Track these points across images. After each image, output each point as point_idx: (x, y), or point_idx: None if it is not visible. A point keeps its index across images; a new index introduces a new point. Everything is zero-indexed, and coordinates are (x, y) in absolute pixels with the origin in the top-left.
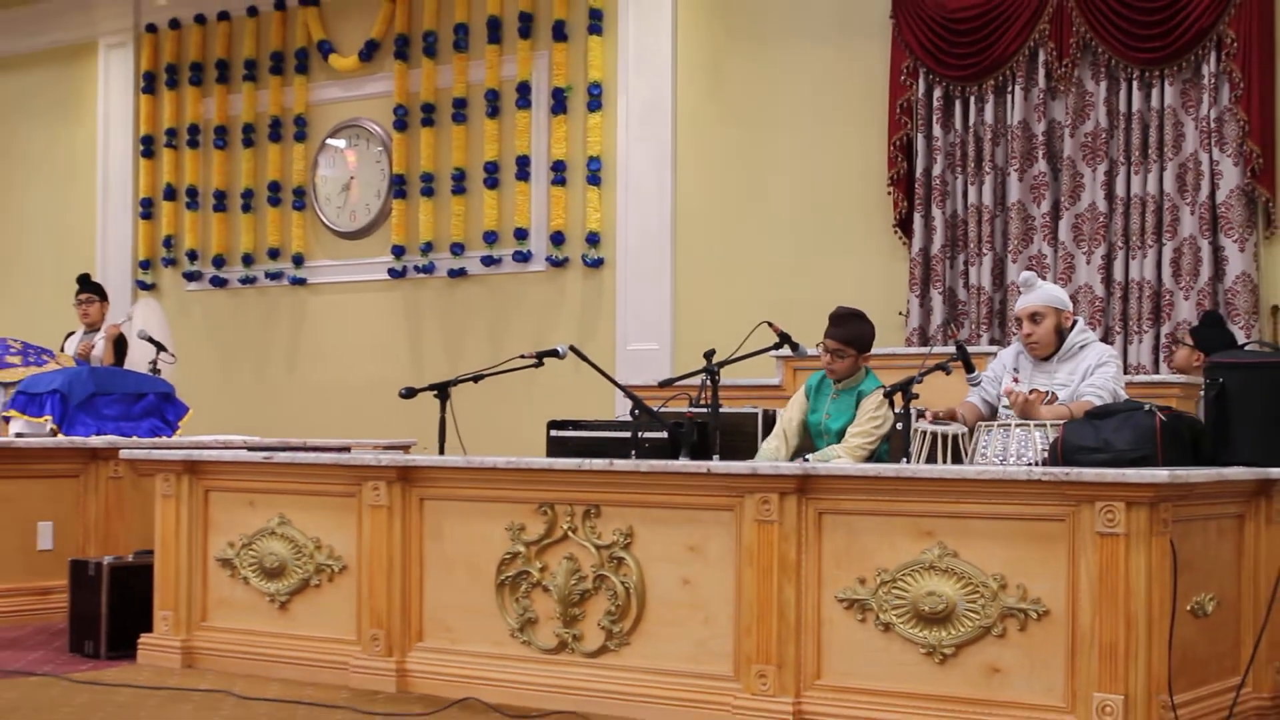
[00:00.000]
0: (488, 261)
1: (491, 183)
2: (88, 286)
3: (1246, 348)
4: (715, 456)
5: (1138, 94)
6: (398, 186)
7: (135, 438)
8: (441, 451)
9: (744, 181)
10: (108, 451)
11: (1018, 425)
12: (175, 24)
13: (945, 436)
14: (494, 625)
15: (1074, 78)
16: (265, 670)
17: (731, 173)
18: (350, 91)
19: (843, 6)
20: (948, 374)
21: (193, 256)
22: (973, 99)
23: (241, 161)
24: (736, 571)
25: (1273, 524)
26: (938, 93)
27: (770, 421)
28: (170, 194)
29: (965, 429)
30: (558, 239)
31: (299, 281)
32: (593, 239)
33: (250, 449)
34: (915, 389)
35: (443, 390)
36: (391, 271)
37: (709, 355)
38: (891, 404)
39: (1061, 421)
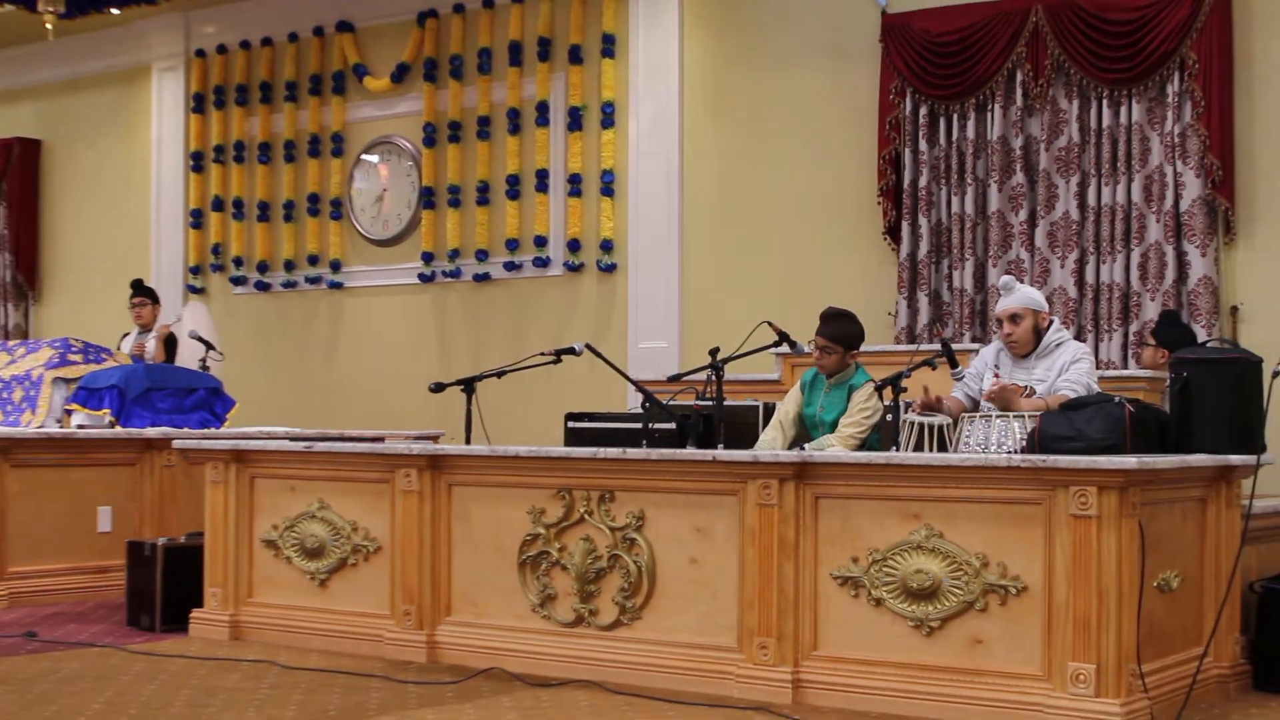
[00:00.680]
0: (510, 267)
1: (513, 194)
2: (141, 290)
3: (1208, 345)
4: (720, 445)
5: (1107, 111)
6: (427, 198)
7: (186, 429)
8: (468, 441)
9: (745, 192)
10: (161, 442)
11: (998, 416)
12: (222, 49)
13: (932, 427)
14: (516, 601)
15: (1049, 96)
16: (306, 642)
17: (733, 184)
18: (383, 110)
19: (835, 31)
20: (933, 369)
21: (238, 263)
22: (955, 116)
23: (283, 175)
24: (740, 551)
25: (1232, 506)
26: (923, 110)
27: (770, 413)
28: (218, 205)
29: (950, 420)
30: (574, 246)
31: (336, 285)
32: (606, 246)
33: (292, 439)
34: (903, 383)
35: (469, 385)
36: (421, 276)
37: (713, 353)
38: (881, 397)
39: (1039, 413)
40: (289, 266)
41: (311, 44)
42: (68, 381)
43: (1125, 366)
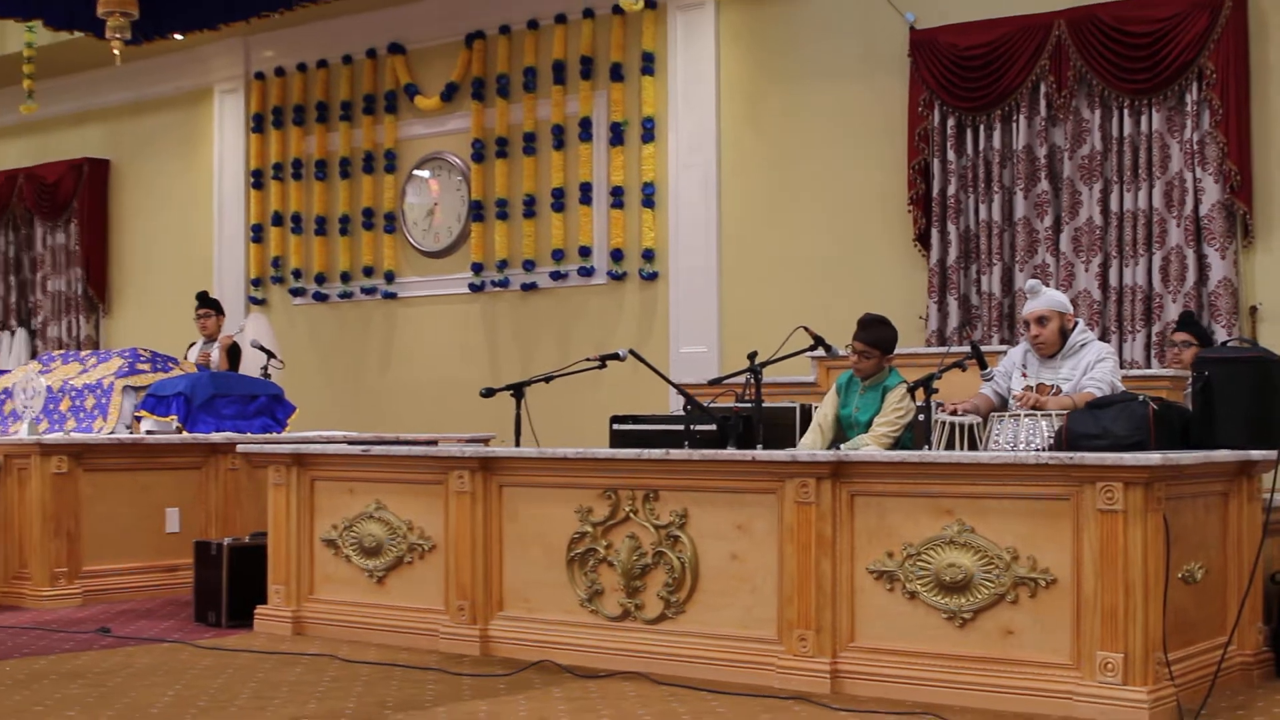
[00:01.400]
0: (555, 276)
1: (558, 207)
2: (206, 302)
3: (1228, 344)
4: (759, 446)
5: (1129, 120)
6: (475, 211)
7: (249, 434)
8: (517, 444)
9: (780, 202)
10: (226, 446)
11: (1027, 415)
12: (280, 71)
13: (962, 426)
14: (565, 596)
15: (1072, 107)
16: (365, 637)
17: (769, 195)
18: (433, 128)
19: (866, 46)
20: (963, 370)
21: (297, 275)
22: (982, 127)
23: (339, 191)
24: (779, 547)
25: (1254, 500)
26: (951, 122)
27: (807, 415)
28: (277, 220)
29: (980, 419)
30: (617, 256)
31: (390, 296)
32: (648, 255)
33: (350, 443)
34: (935, 384)
35: (518, 390)
36: (471, 286)
37: (752, 356)
38: (913, 397)
39: (1065, 411)
40: (345, 278)
41: (365, 65)
42: (137, 389)
43: (1148, 366)
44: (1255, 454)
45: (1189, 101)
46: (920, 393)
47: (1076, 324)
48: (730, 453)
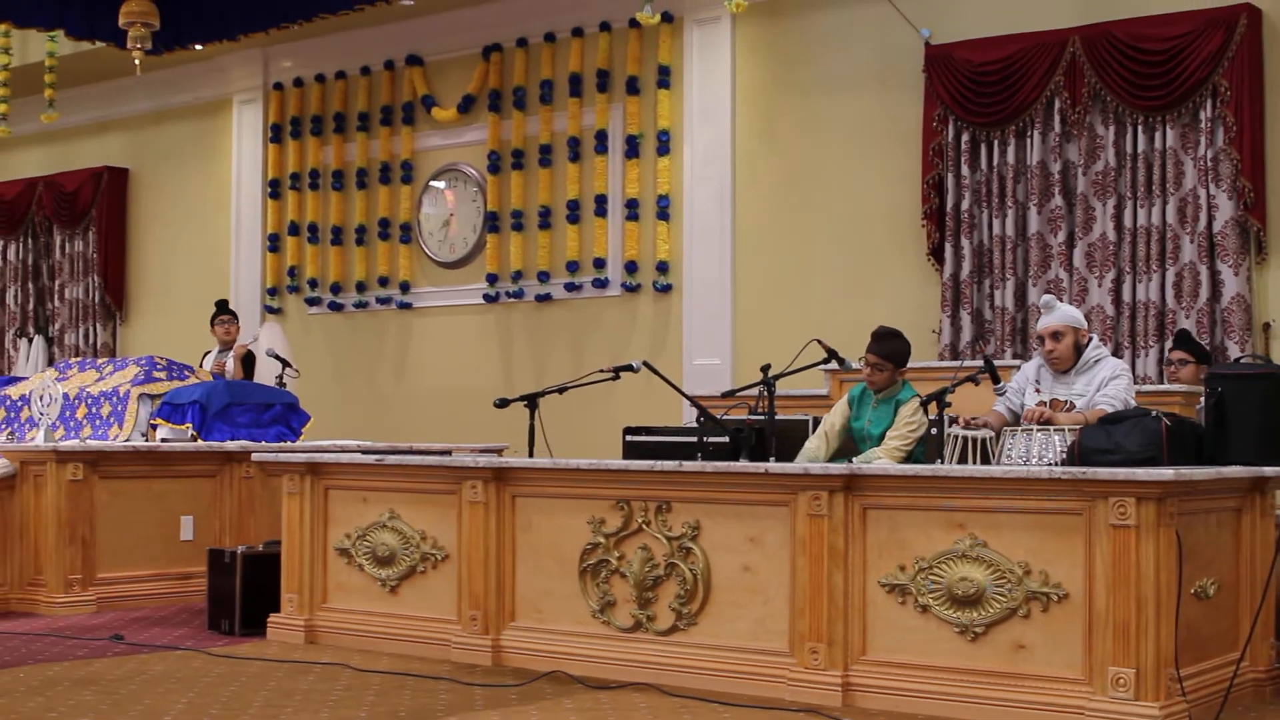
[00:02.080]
0: (570, 288)
1: (573, 218)
2: (228, 309)
3: (1241, 361)
4: (772, 458)
5: (1143, 137)
6: (491, 222)
7: (264, 443)
8: (531, 454)
9: (795, 216)
10: (241, 455)
11: (1040, 429)
12: (298, 82)
13: (975, 440)
14: (577, 607)
15: (1086, 123)
16: (377, 646)
17: (784, 208)
18: (450, 140)
19: (881, 61)
20: (976, 385)
21: (313, 284)
22: (996, 142)
23: (355, 201)
24: (791, 560)
25: (1266, 516)
26: (965, 137)
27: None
28: (294, 230)
29: (993, 433)
30: (631, 267)
31: (405, 306)
32: (662, 267)
33: (364, 452)
34: (948, 398)
35: (531, 400)
36: (486, 297)
37: (765, 369)
38: (926, 411)
39: (1078, 426)
40: (361, 288)
41: (382, 77)
42: (153, 397)
43: (1161, 381)
44: (1268, 470)
45: (1203, 118)
46: (933, 407)
47: (1091, 340)
48: (743, 465)
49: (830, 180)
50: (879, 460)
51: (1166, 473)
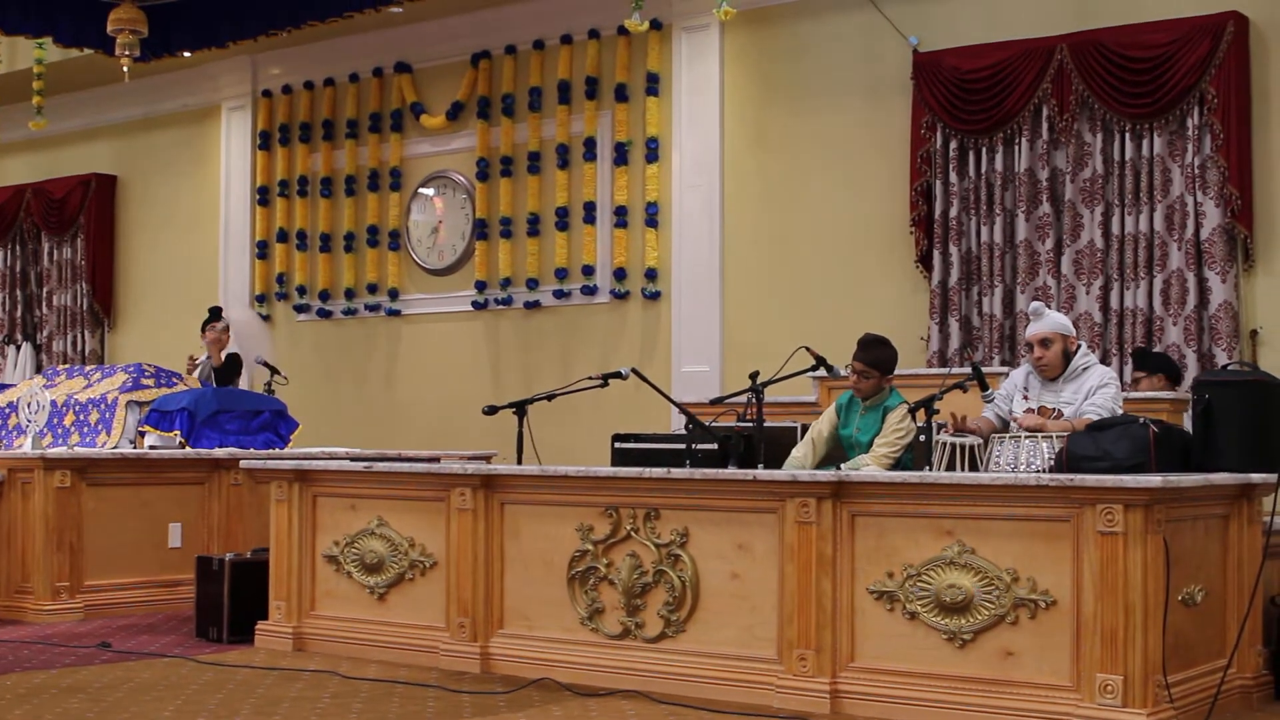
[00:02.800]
0: (559, 295)
1: (562, 225)
2: (219, 316)
3: (1228, 368)
4: (760, 465)
5: (1130, 144)
6: (480, 229)
7: (252, 450)
8: (519, 461)
9: (783, 223)
10: (229, 462)
11: (1028, 437)
12: (287, 89)
13: (963, 447)
14: (566, 614)
15: (1074, 130)
16: (366, 653)
17: (772, 216)
18: (438, 147)
19: (869, 69)
20: (965, 392)
21: (302, 291)
22: (984, 149)
23: (344, 208)
24: (779, 567)
25: (1254, 523)
26: (953, 144)
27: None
28: (283, 237)
29: (981, 440)
30: (620, 275)
31: (394, 313)
32: (651, 274)
33: (352, 460)
34: (936, 405)
35: (520, 408)
36: (475, 304)
37: (754, 376)
38: (914, 418)
39: (1066, 434)
40: (349, 295)
41: (371, 84)
42: (141, 404)
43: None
44: (1255, 477)
45: (1190, 126)
46: (921, 413)
47: (1079, 347)
48: (731, 472)
49: (819, 187)
50: (867, 467)
51: (1154, 480)
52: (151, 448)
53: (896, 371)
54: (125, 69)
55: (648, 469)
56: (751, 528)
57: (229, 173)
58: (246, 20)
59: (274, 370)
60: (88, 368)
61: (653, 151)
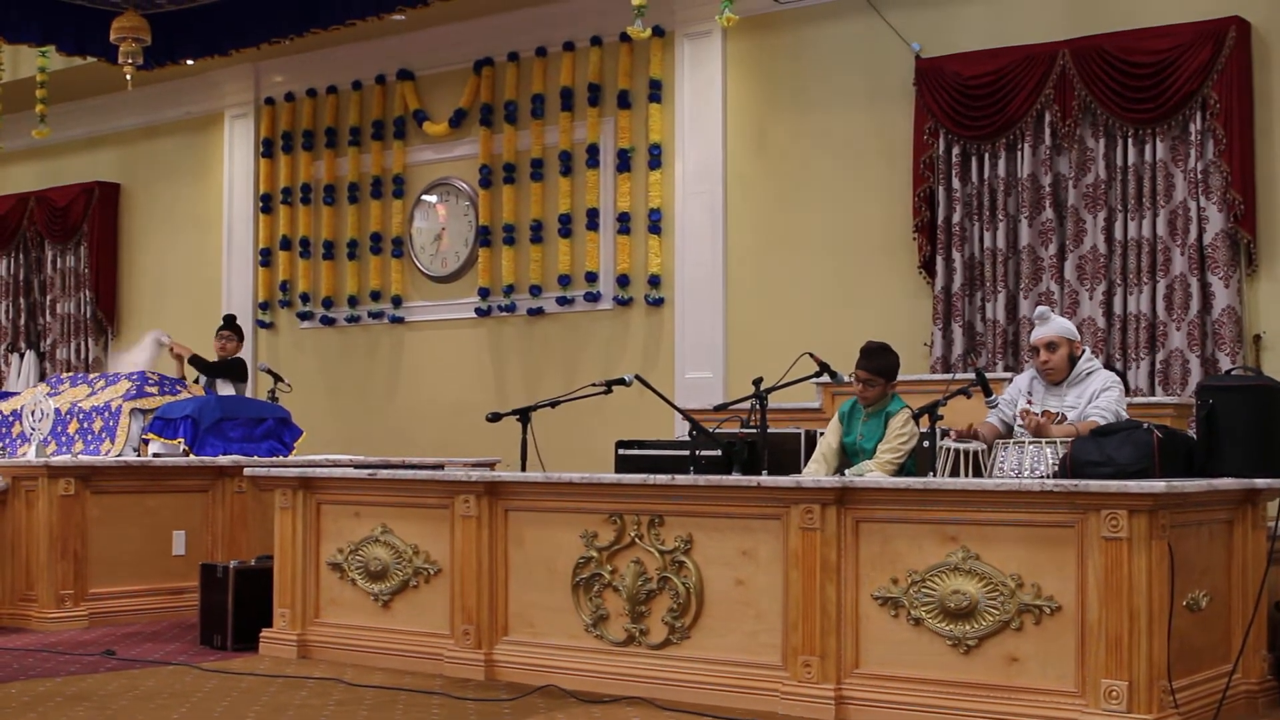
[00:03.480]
0: (562, 301)
1: (565, 232)
2: (230, 325)
3: (1232, 373)
4: (764, 471)
5: (1133, 149)
6: (483, 236)
7: (256, 457)
8: (523, 468)
9: (786, 229)
10: (233, 469)
11: (1031, 442)
12: (290, 97)
13: (967, 453)
14: (570, 621)
15: (1076, 136)
16: (370, 660)
17: (775, 222)
18: (441, 154)
19: (872, 75)
20: (968, 398)
21: (305, 299)
22: (987, 155)
23: (347, 215)
24: (784, 573)
25: (1258, 528)
26: (956, 150)
27: (812, 441)
28: (286, 244)
29: (985, 446)
30: (623, 281)
31: (397, 320)
32: (654, 281)
33: (356, 467)
34: (940, 411)
35: (524, 415)
36: (478, 311)
37: (757, 383)
38: (918, 424)
39: (1070, 439)
40: (353, 302)
41: (374, 91)
42: (145, 412)
43: (1153, 393)
44: (1260, 482)
45: (1193, 131)
46: (925, 419)
47: (1084, 352)
48: (735, 478)
49: (821, 193)
50: (871, 473)
51: (1158, 485)
52: (155, 455)
53: (900, 378)
54: (129, 77)
55: (652, 475)
56: (756, 534)
57: (232, 180)
58: (249, 28)
59: (277, 378)
60: (91, 376)
61: (655, 158)
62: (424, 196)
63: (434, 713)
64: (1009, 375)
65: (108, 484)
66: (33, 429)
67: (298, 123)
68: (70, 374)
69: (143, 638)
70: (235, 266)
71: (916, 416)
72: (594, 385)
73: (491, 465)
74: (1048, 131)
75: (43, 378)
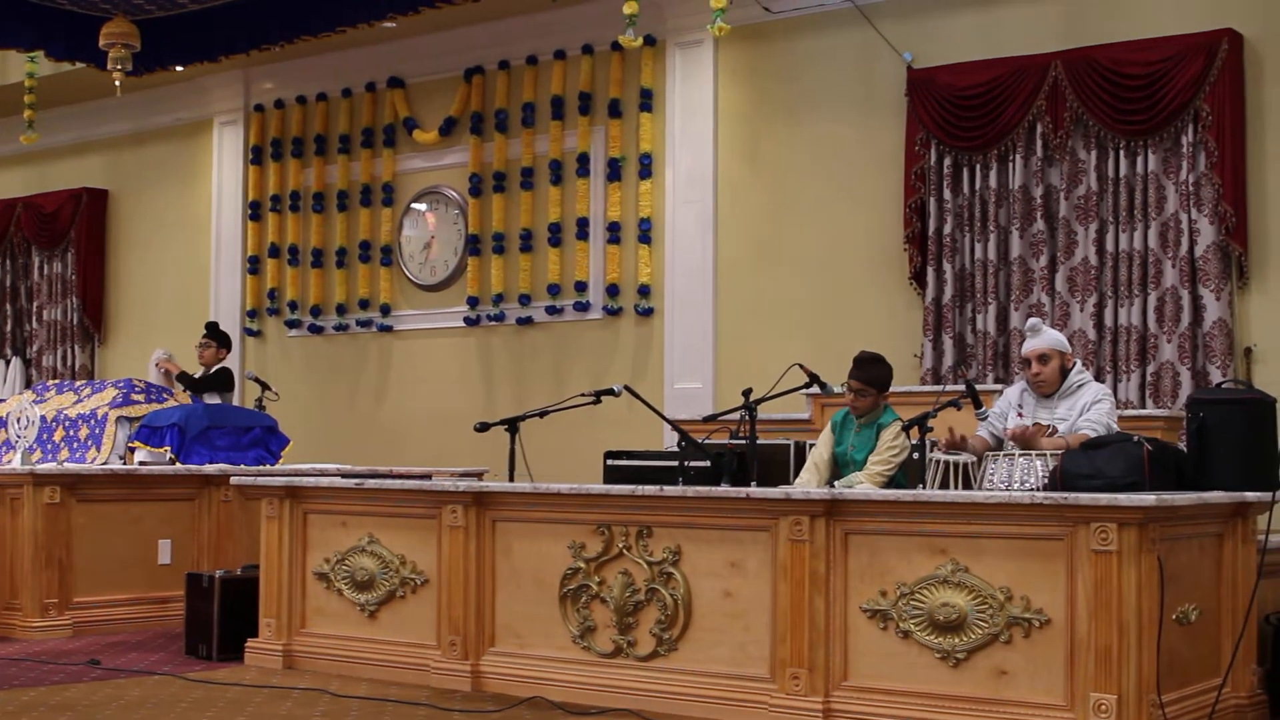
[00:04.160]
0: (551, 311)
1: (555, 241)
2: (214, 333)
3: (1223, 386)
4: (753, 483)
5: (1124, 161)
6: (472, 245)
7: (243, 466)
8: (511, 478)
9: (777, 240)
10: (219, 478)
11: (1021, 455)
12: (279, 104)
13: (957, 465)
14: (557, 632)
15: (1068, 147)
16: (356, 671)
17: (766, 232)
18: (431, 162)
19: (863, 86)
20: (959, 409)
21: (293, 307)
22: (979, 166)
23: (336, 223)
24: (772, 585)
25: (1248, 541)
26: (948, 161)
27: (802, 452)
28: (274, 252)
29: (975, 458)
30: (613, 291)
31: (386, 329)
32: (643, 291)
33: (343, 476)
34: (930, 423)
35: (512, 424)
36: (467, 320)
37: (747, 393)
38: (908, 436)
39: (1060, 451)
40: (341, 310)
41: (364, 99)
42: (131, 420)
43: (1143, 406)
44: (1250, 495)
45: (1185, 143)
46: (915, 431)
47: (1075, 364)
48: (724, 490)
49: (812, 204)
50: (861, 485)
51: (1148, 498)
52: (141, 464)
53: (891, 389)
54: (117, 83)
55: (640, 486)
56: (744, 545)
57: (221, 187)
58: (239, 35)
59: (265, 386)
60: (78, 383)
61: (646, 167)
62: (413, 205)
63: None
64: (999, 387)
65: (93, 492)
66: (18, 436)
67: (287, 130)
68: (56, 381)
69: (128, 647)
70: (223, 274)
71: (906, 428)
72: (583, 395)
73: (479, 475)
74: (1039, 143)
75: (28, 385)
